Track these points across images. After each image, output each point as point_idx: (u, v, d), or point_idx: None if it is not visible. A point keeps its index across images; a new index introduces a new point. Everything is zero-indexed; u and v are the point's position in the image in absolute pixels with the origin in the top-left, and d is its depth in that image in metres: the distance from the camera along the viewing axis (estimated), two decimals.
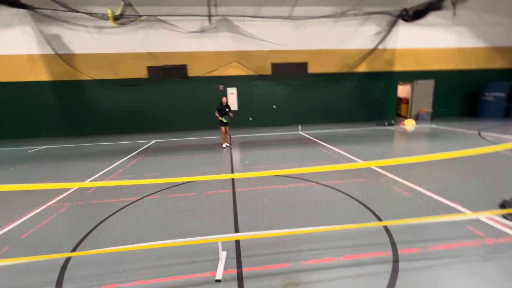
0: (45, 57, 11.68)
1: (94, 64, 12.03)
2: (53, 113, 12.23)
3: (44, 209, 3.95)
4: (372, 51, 13.29)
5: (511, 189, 3.87)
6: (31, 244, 2.99)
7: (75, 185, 2.04)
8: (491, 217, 3.12)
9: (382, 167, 5.35)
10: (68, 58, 11.80)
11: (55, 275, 2.42)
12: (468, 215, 3.19)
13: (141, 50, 12.14)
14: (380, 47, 13.29)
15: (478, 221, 3.08)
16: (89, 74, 12.06)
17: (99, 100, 12.40)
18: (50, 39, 11.44)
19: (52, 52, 11.57)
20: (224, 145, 8.40)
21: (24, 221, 3.56)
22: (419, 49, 13.59)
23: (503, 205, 3.38)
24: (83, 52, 11.86)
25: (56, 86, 12.03)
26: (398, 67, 13.74)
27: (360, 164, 2.34)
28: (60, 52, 11.65)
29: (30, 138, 11.94)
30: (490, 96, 13.33)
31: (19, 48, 11.47)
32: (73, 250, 2.84)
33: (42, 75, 11.85)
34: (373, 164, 2.37)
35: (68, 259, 2.66)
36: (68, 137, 12.17)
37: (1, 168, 6.76)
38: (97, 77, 12.13)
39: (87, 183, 2.12)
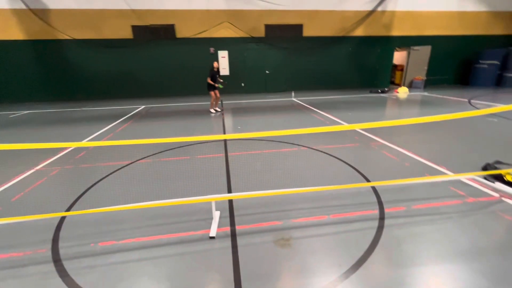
0: (18, 13, 10.61)
1: (73, 22, 11.05)
2: (33, 76, 11.48)
3: (32, 172, 3.89)
4: (371, 13, 12.65)
5: (495, 153, 4.02)
6: (24, 205, 2.98)
7: (71, 145, 1.98)
8: (473, 178, 3.26)
9: (373, 133, 5.41)
10: (43, 14, 10.76)
11: (51, 233, 2.46)
12: (451, 176, 3.33)
13: (124, 6, 11.15)
14: (380, 8, 12.63)
15: (460, 182, 3.23)
16: (68, 33, 11.14)
17: (81, 62, 11.64)
18: None
19: (24, 7, 10.49)
20: (212, 110, 8.24)
21: (13, 184, 3.51)
22: (420, 11, 13.01)
23: (485, 168, 3.53)
24: (58, 7, 10.79)
25: (33, 46, 11.13)
26: (396, 32, 13.25)
27: (345, 126, 2.34)
28: (32, 7, 10.57)
29: (8, 103, 11.35)
30: (484, 63, 13.23)
31: None
32: (67, 210, 2.85)
33: (17, 33, 10.86)
34: (356, 127, 2.37)
35: (62, 219, 2.68)
36: (50, 102, 11.63)
37: None
38: (77, 37, 11.24)
39: (84, 143, 2.05)
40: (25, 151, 4.66)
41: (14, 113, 9.03)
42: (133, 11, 11.26)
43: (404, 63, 14.08)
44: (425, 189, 3.08)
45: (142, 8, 11.28)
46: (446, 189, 3.07)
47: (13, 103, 11.30)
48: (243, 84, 13.07)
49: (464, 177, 3.29)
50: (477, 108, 7.86)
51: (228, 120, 7.36)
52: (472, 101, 9.10)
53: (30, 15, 10.65)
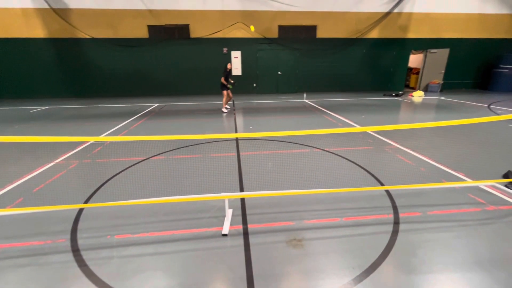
0: (40, 12, 11.03)
1: (91, 21, 11.39)
2: (52, 73, 11.91)
3: (52, 165, 4.03)
4: (387, 14, 12.44)
5: None
6: (44, 197, 3.09)
7: (89, 139, 2.06)
8: (493, 186, 3.16)
9: (387, 136, 5.32)
10: (63, 13, 11.15)
11: (69, 225, 2.54)
12: (470, 182, 3.22)
13: (141, 7, 11.40)
14: (396, 10, 12.40)
15: (480, 189, 3.12)
16: (86, 31, 11.49)
17: (98, 60, 11.98)
18: None
19: (46, 6, 10.90)
20: (224, 109, 8.44)
21: (34, 176, 3.65)
22: (438, 13, 12.68)
23: (506, 176, 3.40)
24: (78, 7, 11.15)
25: (54, 44, 11.54)
26: (412, 34, 12.96)
27: (358, 128, 2.31)
28: (54, 6, 10.96)
29: (29, 98, 11.81)
30: (505, 68, 12.75)
31: (11, 0, 10.77)
32: (85, 203, 2.94)
33: (38, 31, 11.29)
34: (370, 129, 2.35)
35: (80, 212, 2.76)
36: (68, 98, 12.02)
37: (6, 127, 6.78)
38: (95, 35, 11.57)
39: (101, 137, 2.11)
40: (46, 144, 4.84)
41: (35, 108, 9.39)
42: (150, 11, 11.50)
43: (420, 66, 13.75)
44: (442, 195, 3.00)
45: (158, 8, 11.50)
46: (464, 196, 2.98)
47: (34, 99, 11.75)
48: (254, 85, 13.11)
49: (483, 184, 3.18)
50: (497, 114, 7.59)
51: (240, 120, 7.40)
52: (492, 106, 8.80)
53: (52, 14, 11.05)
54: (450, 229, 2.43)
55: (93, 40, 11.63)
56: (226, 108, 8.57)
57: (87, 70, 12.06)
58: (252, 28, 8.14)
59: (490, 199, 2.91)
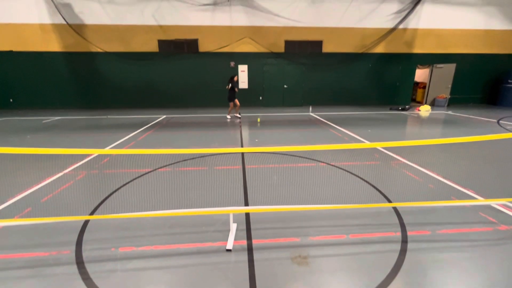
0: (57, 27, 11.58)
1: (105, 36, 11.87)
2: (65, 85, 12.33)
3: (61, 176, 4.10)
4: (392, 30, 12.61)
5: None
6: (51, 207, 3.13)
7: (95, 152, 2.10)
8: (505, 205, 3.07)
9: (394, 151, 5.26)
10: (79, 29, 11.66)
11: (75, 236, 2.56)
12: (481, 201, 3.14)
13: (152, 22, 11.86)
14: (401, 26, 12.57)
15: (491, 208, 3.04)
16: (100, 46, 11.95)
17: (109, 73, 12.38)
18: (60, 8, 11.26)
19: (63, 22, 11.43)
20: (228, 116, 9.42)
21: (43, 186, 3.72)
22: (443, 29, 12.80)
23: None
24: (93, 23, 11.67)
25: (68, 57, 12.02)
26: (417, 49, 13.07)
27: (365, 144, 2.30)
28: (71, 22, 11.50)
29: (43, 109, 12.19)
30: None
31: (31, 16, 11.36)
32: (91, 214, 2.96)
33: (54, 45, 11.81)
34: (379, 145, 2.34)
35: (86, 223, 2.78)
36: (80, 109, 12.36)
37: (19, 136, 6.97)
38: (107, 49, 12.02)
39: (108, 150, 2.16)
40: (55, 154, 4.94)
41: (47, 119, 9.66)
42: (160, 26, 11.93)
43: (427, 81, 13.75)
44: (451, 214, 2.93)
45: (169, 24, 11.94)
46: (475, 215, 2.90)
47: (47, 109, 12.12)
48: (260, 98, 13.27)
49: (495, 202, 3.10)
50: (507, 129, 7.46)
51: (246, 132, 7.45)
52: (501, 122, 8.67)
53: (68, 29, 11.57)
54: (461, 249, 2.35)
55: (106, 54, 12.06)
56: (236, 116, 9.14)
57: (99, 82, 12.45)
58: (258, 120, 8.68)
59: (502, 219, 2.82)
